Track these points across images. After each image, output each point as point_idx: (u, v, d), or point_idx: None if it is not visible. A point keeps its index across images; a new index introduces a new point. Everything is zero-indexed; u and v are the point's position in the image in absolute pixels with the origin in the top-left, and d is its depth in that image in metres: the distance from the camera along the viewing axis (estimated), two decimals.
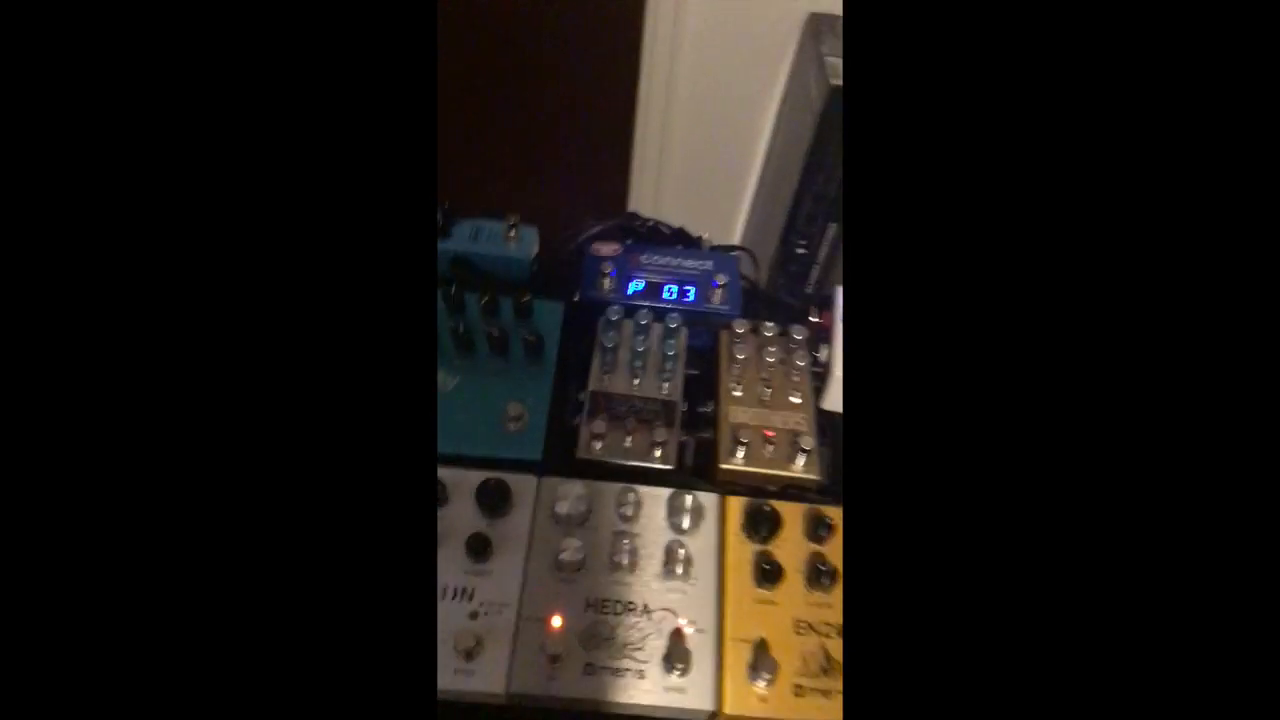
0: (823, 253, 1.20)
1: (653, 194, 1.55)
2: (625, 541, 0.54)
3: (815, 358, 0.68)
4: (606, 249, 0.73)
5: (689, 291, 0.72)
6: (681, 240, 0.80)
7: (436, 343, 0.64)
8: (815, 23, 1.20)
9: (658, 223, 0.80)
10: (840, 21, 1.18)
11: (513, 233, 0.73)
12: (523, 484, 0.57)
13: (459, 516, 0.55)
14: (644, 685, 0.51)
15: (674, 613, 0.53)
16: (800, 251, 1.19)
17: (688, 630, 0.53)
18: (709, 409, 0.65)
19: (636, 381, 0.65)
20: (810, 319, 0.72)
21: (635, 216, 0.79)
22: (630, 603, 0.53)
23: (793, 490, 0.61)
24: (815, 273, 1.21)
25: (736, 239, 1.51)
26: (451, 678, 0.49)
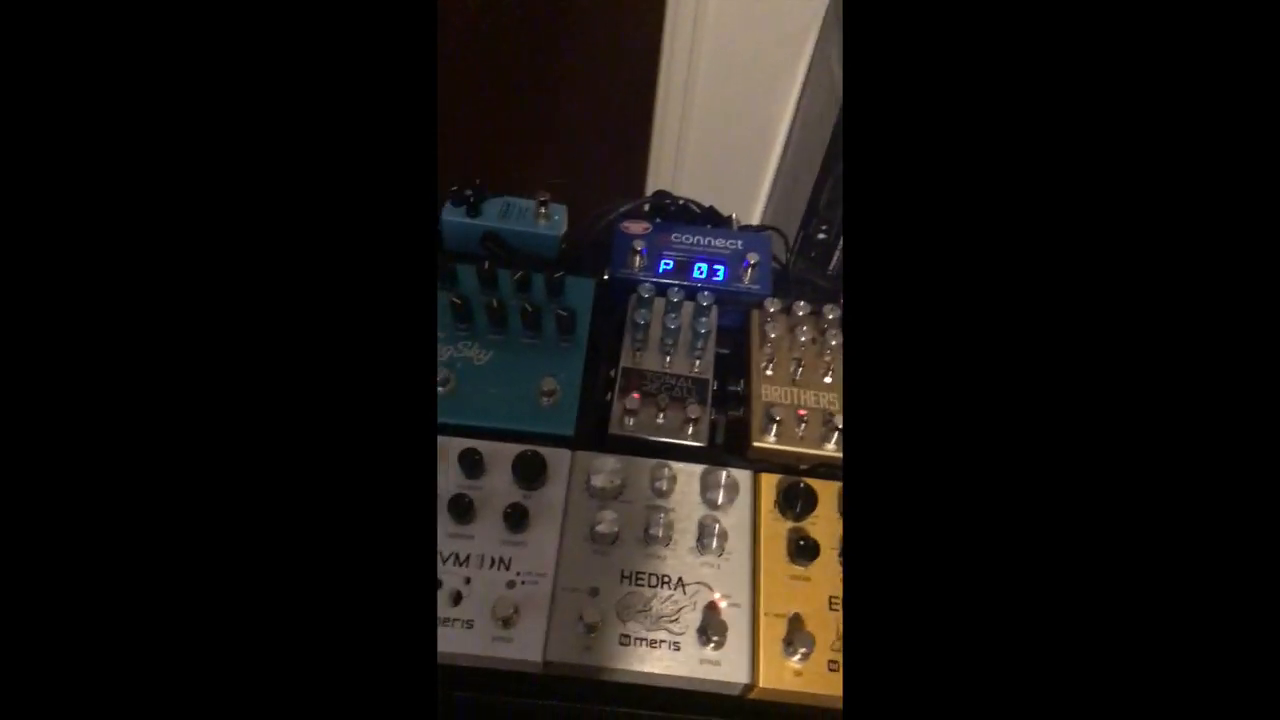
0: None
1: (670, 180, 1.55)
2: (660, 515, 0.54)
3: None
4: (636, 227, 0.73)
5: (719, 270, 0.72)
6: (711, 219, 0.80)
7: (436, 322, 0.63)
8: (839, 7, 1.19)
9: (688, 201, 0.79)
10: None
11: (543, 210, 0.73)
12: (557, 457, 0.57)
13: (496, 488, 0.55)
14: (679, 657, 0.51)
15: (709, 586, 0.53)
16: (821, 237, 1.19)
17: (722, 604, 0.53)
18: (738, 387, 0.65)
19: (668, 359, 0.65)
20: (842, 299, 0.72)
21: (666, 195, 0.79)
22: (665, 576, 0.54)
23: (824, 469, 0.61)
24: (836, 258, 1.20)
25: (755, 223, 1.50)
26: (490, 644, 0.50)
